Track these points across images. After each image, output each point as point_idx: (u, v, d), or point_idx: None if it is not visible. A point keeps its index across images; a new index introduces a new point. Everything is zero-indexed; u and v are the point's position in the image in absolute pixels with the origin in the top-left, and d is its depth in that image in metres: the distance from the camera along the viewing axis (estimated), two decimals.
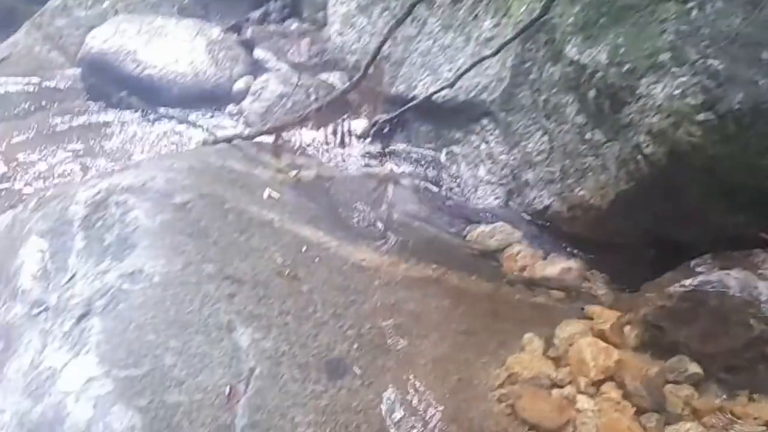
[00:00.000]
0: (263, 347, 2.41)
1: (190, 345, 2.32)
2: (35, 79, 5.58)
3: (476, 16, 4.03)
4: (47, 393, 2.15)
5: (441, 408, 2.43)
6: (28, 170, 4.41)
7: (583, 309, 2.97)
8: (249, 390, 2.25)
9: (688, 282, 2.61)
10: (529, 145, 3.54)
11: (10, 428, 2.10)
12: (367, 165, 4.11)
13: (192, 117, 4.65)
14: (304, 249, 2.99)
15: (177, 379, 2.20)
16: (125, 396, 2.11)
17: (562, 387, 2.60)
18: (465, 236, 3.51)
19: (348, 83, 4.15)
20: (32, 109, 5.15)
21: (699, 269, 2.70)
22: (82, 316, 2.38)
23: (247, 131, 4.06)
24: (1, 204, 4.08)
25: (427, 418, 2.40)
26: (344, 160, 4.15)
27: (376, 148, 4.26)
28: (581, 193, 3.24)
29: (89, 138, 4.70)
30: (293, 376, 2.35)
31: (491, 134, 3.82)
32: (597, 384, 2.59)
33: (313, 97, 4.76)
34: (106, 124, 4.82)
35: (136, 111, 4.85)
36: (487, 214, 3.66)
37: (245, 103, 4.89)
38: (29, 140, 4.71)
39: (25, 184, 4.25)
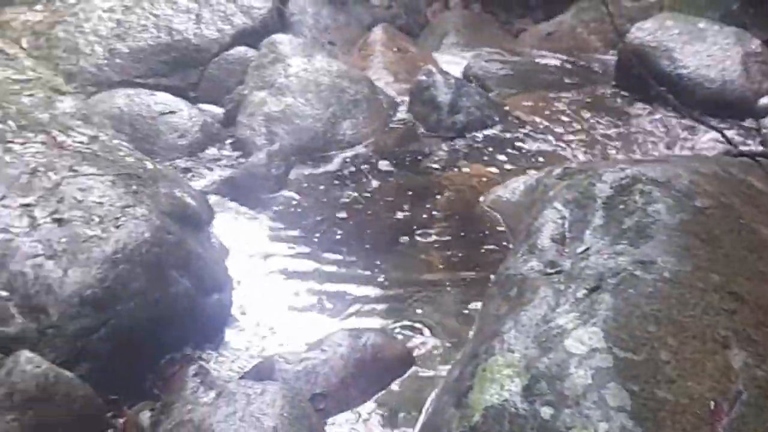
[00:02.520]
0: (754, 374, 2.14)
1: (685, 348, 2.15)
2: (572, 58, 5.74)
3: None
4: (554, 349, 2.16)
5: None
6: (555, 139, 4.56)
7: None
8: (732, 413, 2.03)
9: None
10: None
11: (519, 368, 2.17)
12: None
13: (713, 123, 4.33)
14: None
15: (668, 376, 2.06)
16: (621, 376, 2.04)
17: None
18: None
19: None
20: (566, 83, 5.30)
21: None
22: (594, 289, 2.35)
23: None
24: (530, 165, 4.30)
25: None
26: None
27: None
28: None
29: (617, 122, 4.69)
30: None
31: None
32: None
33: None
34: (633, 113, 4.76)
35: (664, 107, 4.69)
36: None
37: (766, 120, 4.44)
38: (559, 111, 4.86)
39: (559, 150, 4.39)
